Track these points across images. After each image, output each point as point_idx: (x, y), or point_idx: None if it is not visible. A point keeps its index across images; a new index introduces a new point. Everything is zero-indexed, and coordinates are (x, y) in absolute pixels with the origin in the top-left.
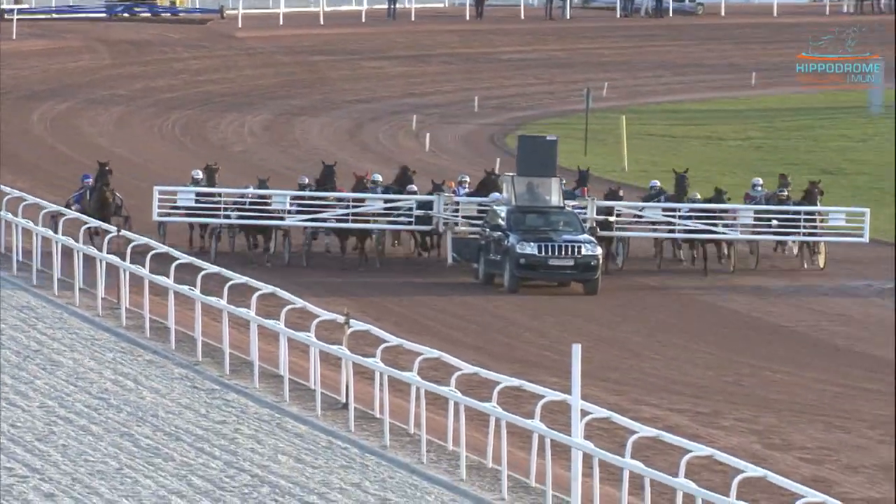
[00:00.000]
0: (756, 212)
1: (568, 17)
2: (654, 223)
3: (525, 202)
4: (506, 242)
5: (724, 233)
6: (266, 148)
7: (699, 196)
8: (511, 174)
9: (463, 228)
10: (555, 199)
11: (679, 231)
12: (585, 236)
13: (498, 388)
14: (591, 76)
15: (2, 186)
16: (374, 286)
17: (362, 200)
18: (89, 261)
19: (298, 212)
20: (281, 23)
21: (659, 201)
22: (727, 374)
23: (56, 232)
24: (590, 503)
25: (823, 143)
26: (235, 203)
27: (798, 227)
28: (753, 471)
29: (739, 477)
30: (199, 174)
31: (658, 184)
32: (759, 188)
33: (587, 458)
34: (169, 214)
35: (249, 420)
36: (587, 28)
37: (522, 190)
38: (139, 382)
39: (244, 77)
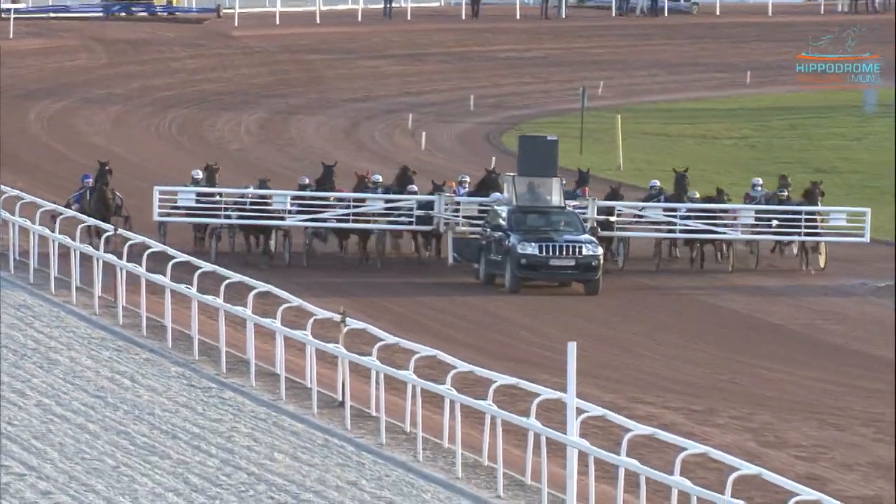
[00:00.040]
0: (757, 212)
1: (563, 16)
2: (654, 223)
3: (526, 202)
4: (507, 242)
5: (724, 233)
6: (262, 147)
7: (698, 195)
8: (512, 174)
9: (464, 228)
10: (556, 199)
11: (680, 231)
12: (586, 236)
13: (494, 386)
14: (587, 75)
15: (0, 185)
16: (374, 286)
17: (363, 200)
18: (87, 260)
19: (299, 212)
20: (277, 22)
21: (659, 201)
22: (722, 372)
23: (54, 231)
24: (585, 501)
25: (818, 142)
26: (236, 203)
27: (798, 227)
28: (748, 469)
29: (734, 475)
30: (200, 174)
31: (658, 183)
32: (759, 188)
33: (583, 456)
34: (169, 214)
35: (246, 418)
36: (582, 27)
37: (523, 190)
38: (136, 381)
39: (241, 76)
